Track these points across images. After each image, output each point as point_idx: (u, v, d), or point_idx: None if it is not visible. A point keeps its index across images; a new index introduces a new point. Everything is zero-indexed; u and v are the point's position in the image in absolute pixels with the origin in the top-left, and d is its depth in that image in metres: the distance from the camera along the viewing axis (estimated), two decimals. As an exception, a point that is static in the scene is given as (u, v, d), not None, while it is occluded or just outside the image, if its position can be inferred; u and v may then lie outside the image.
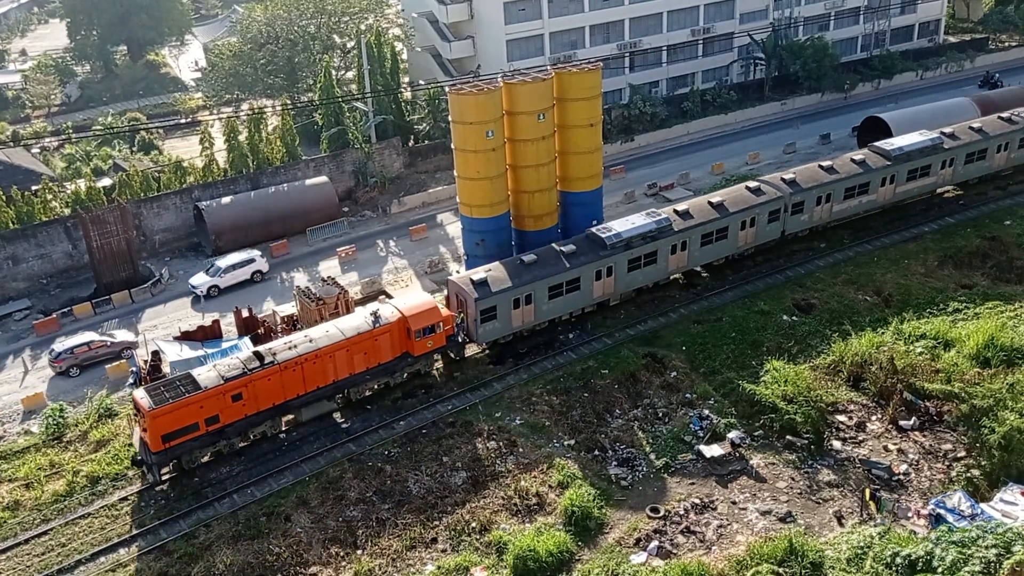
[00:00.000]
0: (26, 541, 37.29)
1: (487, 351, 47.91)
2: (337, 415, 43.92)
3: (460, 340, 46.80)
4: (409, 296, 48.10)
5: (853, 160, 57.56)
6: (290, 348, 41.84)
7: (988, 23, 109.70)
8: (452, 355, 47.11)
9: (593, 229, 50.02)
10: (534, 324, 48.21)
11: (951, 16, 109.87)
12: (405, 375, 45.51)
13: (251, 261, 59.42)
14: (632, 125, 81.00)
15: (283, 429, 42.86)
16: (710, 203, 52.65)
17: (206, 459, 40.69)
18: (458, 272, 55.00)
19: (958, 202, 62.15)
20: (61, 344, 50.89)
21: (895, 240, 57.39)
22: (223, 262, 58.90)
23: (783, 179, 55.44)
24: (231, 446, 41.06)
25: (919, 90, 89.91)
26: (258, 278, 59.29)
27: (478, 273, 47.21)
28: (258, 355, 41.20)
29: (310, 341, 42.32)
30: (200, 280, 58.07)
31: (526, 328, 48.08)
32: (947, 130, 61.32)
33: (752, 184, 54.83)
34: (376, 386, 44.93)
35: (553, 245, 49.78)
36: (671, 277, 52.28)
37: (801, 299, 51.30)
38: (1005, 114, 64.05)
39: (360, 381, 43.86)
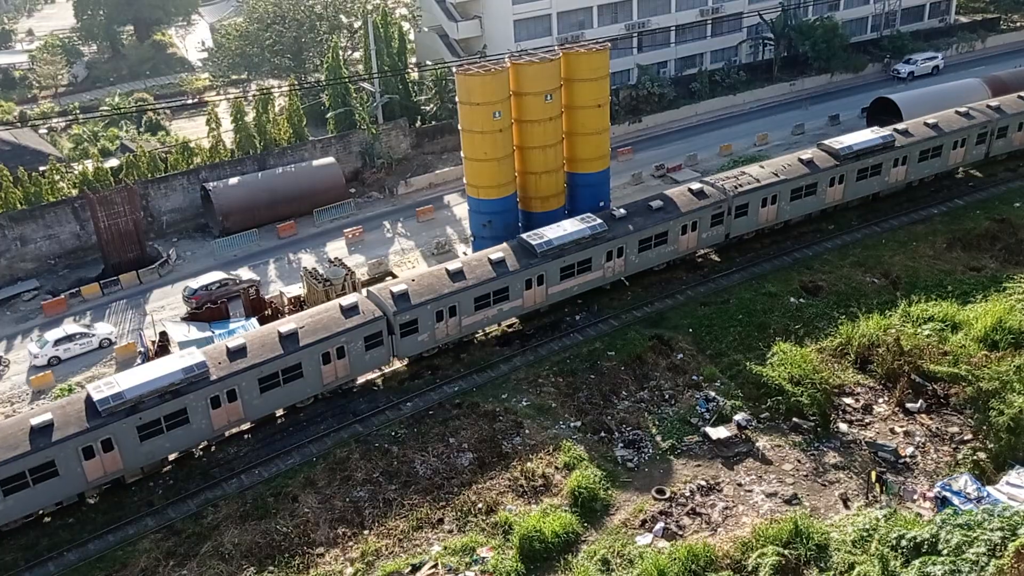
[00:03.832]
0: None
1: None
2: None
3: None
4: None
5: (491, 260, 46.63)
6: None
7: (1000, 3, 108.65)
8: None
9: (90, 389, 37.90)
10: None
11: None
12: None
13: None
14: (640, 106, 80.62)
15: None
16: (279, 333, 41.50)
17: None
18: (465, 253, 55.02)
19: (967, 184, 61.81)
20: (196, 282, 53.91)
21: (904, 222, 57.10)
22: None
23: (392, 291, 44.21)
24: None
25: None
26: (105, 344, 50.84)
27: None
28: None
29: None
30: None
31: None
32: (620, 212, 50.18)
33: (347, 302, 43.49)
34: None
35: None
36: (227, 434, 41.28)
37: (809, 281, 51.16)
38: (698, 185, 53.10)
39: None
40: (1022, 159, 64.29)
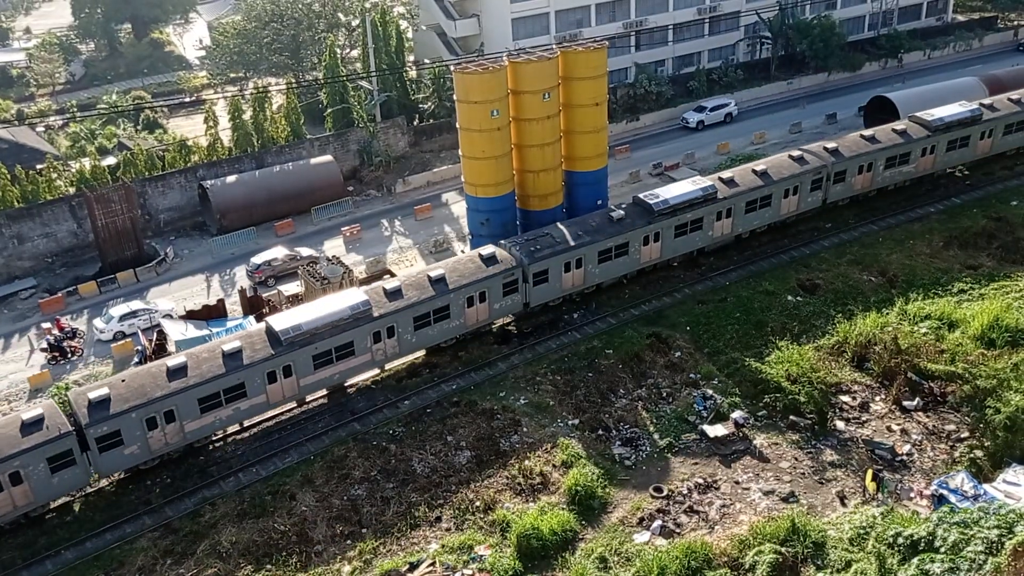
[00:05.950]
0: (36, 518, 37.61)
1: None
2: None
3: None
4: None
5: (224, 352, 40.14)
6: None
7: (998, 2, 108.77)
8: None
9: None
10: None
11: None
12: None
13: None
14: (637, 104, 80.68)
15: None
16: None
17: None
18: (463, 251, 55.01)
19: (964, 183, 61.87)
20: (259, 257, 56.98)
21: (901, 221, 57.15)
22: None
23: (89, 399, 37.72)
24: None
25: (927, 69, 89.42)
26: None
27: None
28: None
29: None
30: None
31: None
32: (392, 285, 44.41)
33: (30, 415, 36.78)
34: None
35: None
36: None
37: (806, 279, 51.21)
38: (490, 250, 47.17)
39: None
40: (1003, 163, 64.34)
